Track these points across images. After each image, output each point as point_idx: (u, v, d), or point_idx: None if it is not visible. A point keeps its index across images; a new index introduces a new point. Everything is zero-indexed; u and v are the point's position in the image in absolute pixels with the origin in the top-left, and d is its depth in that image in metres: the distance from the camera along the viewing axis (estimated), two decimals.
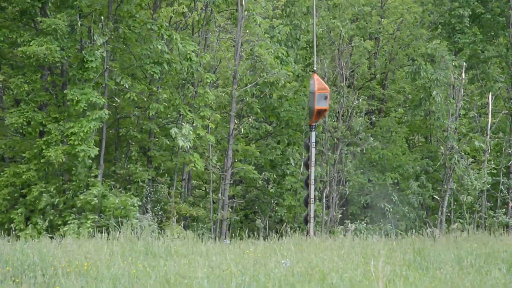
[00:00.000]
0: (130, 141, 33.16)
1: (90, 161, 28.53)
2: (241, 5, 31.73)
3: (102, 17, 28.99)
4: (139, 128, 32.54)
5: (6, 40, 29.01)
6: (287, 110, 36.40)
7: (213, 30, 33.54)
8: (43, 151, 28.11)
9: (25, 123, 28.49)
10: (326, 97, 24.07)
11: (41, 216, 28.73)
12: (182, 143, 29.31)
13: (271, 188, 36.58)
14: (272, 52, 33.44)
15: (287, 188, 36.06)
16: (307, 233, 23.97)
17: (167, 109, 30.75)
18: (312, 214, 24.67)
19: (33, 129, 29.10)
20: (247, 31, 32.96)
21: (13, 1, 28.23)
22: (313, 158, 24.42)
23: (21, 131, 29.80)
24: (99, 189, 28.10)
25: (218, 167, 33.01)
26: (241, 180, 36.64)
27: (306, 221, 24.96)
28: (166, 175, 34.24)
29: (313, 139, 24.39)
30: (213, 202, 32.60)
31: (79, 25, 28.38)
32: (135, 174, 31.53)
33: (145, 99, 31.06)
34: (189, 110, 30.77)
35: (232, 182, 33.83)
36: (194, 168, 31.19)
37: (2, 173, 29.86)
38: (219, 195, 32.39)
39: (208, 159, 32.19)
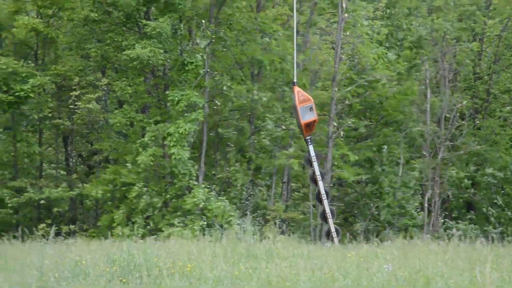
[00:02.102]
0: (229, 143, 33.41)
1: (187, 164, 28.77)
2: (342, 7, 31.53)
3: (203, 21, 29.37)
4: (238, 130, 32.77)
5: (111, 44, 29.68)
6: (390, 109, 35.93)
7: (314, 32, 33.43)
8: (138, 154, 28.59)
9: (128, 123, 29.06)
10: (311, 108, 22.84)
11: (141, 216, 29.25)
12: (268, 142, 29.41)
13: (370, 190, 36.15)
14: (373, 52, 33.14)
15: (386, 190, 35.57)
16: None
17: (266, 110, 30.77)
18: (333, 229, 23.75)
19: (134, 131, 29.63)
20: (347, 32, 32.74)
21: (118, 6, 28.84)
22: (318, 173, 23.38)
23: (124, 131, 30.38)
24: (203, 192, 28.37)
25: None
26: (340, 183, 36.33)
27: (329, 236, 23.92)
28: (267, 177, 34.37)
29: (312, 153, 23.36)
30: (313, 206, 32.46)
31: (181, 28, 28.83)
32: (234, 177, 31.75)
33: (244, 102, 31.24)
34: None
35: (331, 185, 33.61)
36: (293, 167, 31.13)
37: (104, 172, 30.67)
38: None
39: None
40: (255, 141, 33.04)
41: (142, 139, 29.06)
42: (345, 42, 32.78)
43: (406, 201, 34.29)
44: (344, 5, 31.57)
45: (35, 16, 32.45)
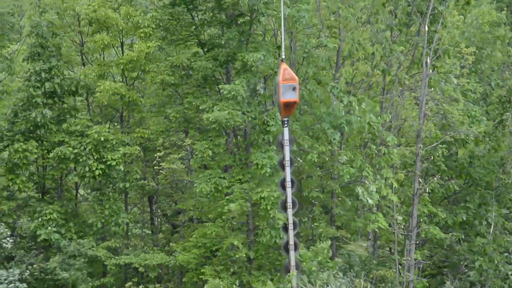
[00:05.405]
0: (313, 201, 33.19)
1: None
2: (426, 63, 31.18)
3: None
4: (321, 188, 32.54)
5: (190, 108, 30.15)
6: (478, 169, 35.11)
7: (397, 89, 33.11)
8: (225, 207, 28.73)
9: (213, 189, 29.16)
10: (294, 88, 21.28)
11: (230, 272, 29.42)
12: (370, 201, 29.01)
13: (460, 249, 35.26)
14: (462, 110, 32.59)
15: (477, 250, 34.62)
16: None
17: (350, 169, 30.43)
18: (291, 221, 21.83)
19: (219, 193, 29.80)
20: (432, 89, 32.31)
21: (195, 69, 29.31)
22: (287, 158, 22.03)
23: (209, 197, 30.53)
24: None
25: (403, 227, 32.30)
26: (426, 241, 35.56)
27: (285, 229, 22.25)
28: (350, 235, 34.02)
29: (286, 136, 21.96)
30: (399, 263, 31.84)
31: (260, 89, 29.02)
32: (320, 234, 31.51)
33: (327, 159, 31.09)
34: (371, 171, 30.38)
35: (418, 242, 32.94)
36: (376, 229, 30.71)
37: (192, 234, 30.94)
38: (405, 256, 31.59)
39: (393, 219, 31.62)
40: (339, 198, 32.79)
41: (228, 196, 29.19)
42: (430, 99, 32.31)
43: (499, 261, 33.39)
44: (428, 61, 31.24)
45: (120, 79, 33.38)
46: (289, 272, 21.70)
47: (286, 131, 21.37)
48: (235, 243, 28.95)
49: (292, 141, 22.26)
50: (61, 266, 30.23)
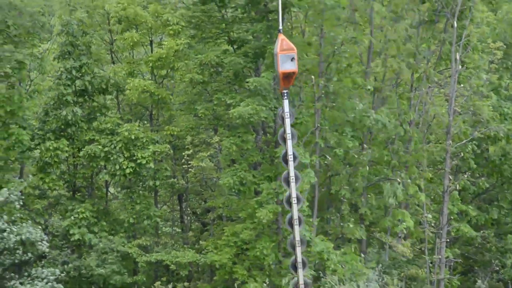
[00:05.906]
0: (342, 198, 33.01)
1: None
2: (455, 59, 30.90)
3: (313, 76, 29.39)
4: (350, 186, 32.36)
5: (219, 104, 30.20)
6: (509, 167, 34.74)
7: (426, 86, 32.85)
8: (256, 210, 28.71)
9: (237, 183, 29.18)
10: (292, 58, 21.01)
11: (261, 271, 29.45)
12: (391, 200, 28.83)
13: (491, 247, 34.93)
14: (493, 106, 32.28)
15: (509, 248, 34.27)
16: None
17: (376, 166, 30.29)
18: (294, 195, 21.32)
19: (246, 189, 29.79)
20: (461, 85, 32.01)
21: (226, 65, 29.36)
22: (288, 131, 21.62)
23: (234, 191, 30.58)
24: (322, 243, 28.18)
25: (433, 225, 32.04)
26: (457, 238, 35.24)
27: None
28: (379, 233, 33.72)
29: (286, 109, 21.58)
30: (430, 261, 31.58)
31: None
32: (350, 233, 31.36)
33: (355, 156, 30.93)
34: (398, 171, 30.16)
35: (448, 240, 32.64)
36: (404, 230, 30.48)
37: (223, 232, 30.98)
38: (435, 254, 31.33)
39: (422, 216, 31.37)
40: (368, 196, 32.56)
41: (257, 197, 29.17)
42: (459, 95, 31.99)
43: None
44: (457, 57, 30.95)
45: (150, 77, 33.60)
46: (294, 248, 21.48)
47: (286, 103, 21.12)
48: (265, 252, 28.98)
49: (292, 114, 22.01)
50: (95, 262, 30.43)
